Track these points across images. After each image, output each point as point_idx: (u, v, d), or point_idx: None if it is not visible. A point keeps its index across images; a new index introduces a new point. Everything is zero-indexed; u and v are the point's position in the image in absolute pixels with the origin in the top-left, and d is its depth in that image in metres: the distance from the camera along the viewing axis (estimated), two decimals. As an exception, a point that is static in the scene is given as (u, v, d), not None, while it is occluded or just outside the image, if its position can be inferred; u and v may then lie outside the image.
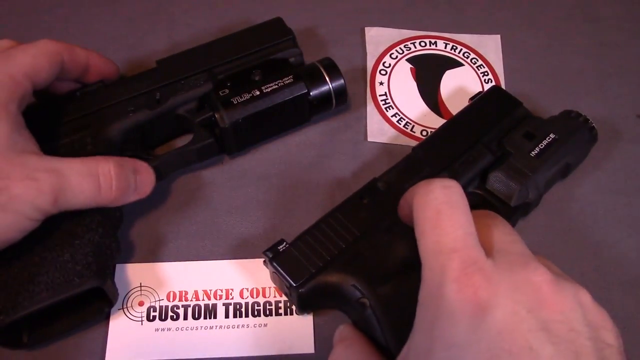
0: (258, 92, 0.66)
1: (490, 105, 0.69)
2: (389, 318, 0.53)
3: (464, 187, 0.62)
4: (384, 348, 0.53)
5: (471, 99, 0.73)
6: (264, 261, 0.59)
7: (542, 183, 0.63)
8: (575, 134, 0.66)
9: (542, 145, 0.64)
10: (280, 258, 0.57)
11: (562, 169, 0.66)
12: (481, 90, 0.75)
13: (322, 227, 0.59)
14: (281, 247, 0.58)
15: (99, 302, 0.57)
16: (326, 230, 0.58)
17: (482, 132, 0.65)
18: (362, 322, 0.55)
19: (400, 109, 0.75)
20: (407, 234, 0.58)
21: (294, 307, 0.60)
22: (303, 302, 0.57)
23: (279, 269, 0.56)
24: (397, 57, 0.79)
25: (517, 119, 0.67)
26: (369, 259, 0.57)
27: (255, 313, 0.60)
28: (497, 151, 0.64)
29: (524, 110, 0.68)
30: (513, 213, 0.62)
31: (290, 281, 0.56)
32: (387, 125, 0.73)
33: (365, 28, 0.81)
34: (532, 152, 0.63)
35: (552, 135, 0.65)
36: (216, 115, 0.65)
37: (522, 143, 0.64)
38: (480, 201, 0.64)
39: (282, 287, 0.59)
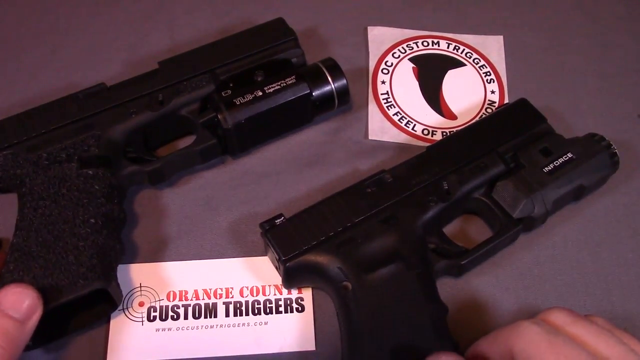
0: (260, 93, 0.67)
1: (513, 116, 0.68)
2: (368, 305, 0.55)
3: (470, 193, 0.62)
4: (357, 332, 0.55)
5: (497, 108, 0.73)
6: (261, 233, 0.60)
7: (550, 200, 0.62)
8: (594, 157, 0.65)
9: (556, 163, 0.64)
10: (274, 231, 0.59)
11: (576, 190, 0.64)
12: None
13: (321, 208, 0.61)
14: (278, 220, 0.60)
15: (103, 304, 0.58)
16: (324, 211, 0.60)
17: (499, 141, 0.66)
18: (341, 305, 0.57)
19: (402, 108, 0.75)
20: (402, 229, 0.59)
21: (293, 306, 0.61)
22: (289, 277, 0.59)
23: (272, 241, 0.59)
24: (399, 56, 0.79)
25: (538, 134, 0.67)
26: (360, 245, 0.58)
27: (256, 311, 0.61)
28: (511, 162, 0.64)
29: (547, 126, 0.68)
30: (515, 225, 0.62)
31: (280, 254, 0.58)
32: (388, 123, 0.73)
33: (368, 27, 0.81)
34: (546, 168, 0.63)
35: (569, 155, 0.64)
36: (219, 116, 0.66)
37: (537, 158, 0.64)
38: (484, 209, 0.64)
39: (273, 260, 0.61)
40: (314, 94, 0.69)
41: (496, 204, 0.63)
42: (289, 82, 0.68)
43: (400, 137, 0.73)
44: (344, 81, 0.70)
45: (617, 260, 0.65)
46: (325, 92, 0.69)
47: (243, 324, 0.60)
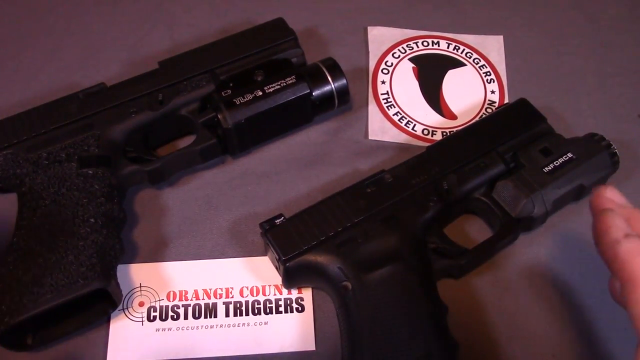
0: (260, 93, 0.67)
1: (512, 116, 0.68)
2: (368, 305, 0.55)
3: (470, 192, 0.62)
4: (357, 332, 0.55)
5: (497, 108, 0.73)
6: (261, 233, 0.60)
7: (550, 200, 0.62)
8: (594, 157, 0.65)
9: (557, 163, 0.63)
10: (274, 231, 0.59)
11: (576, 190, 0.64)
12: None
13: (321, 208, 0.61)
14: (278, 220, 0.60)
15: (102, 304, 0.58)
16: (324, 211, 0.60)
17: (499, 141, 0.65)
18: (341, 305, 0.57)
19: (402, 108, 0.75)
20: (402, 229, 0.59)
21: (293, 306, 0.61)
22: (289, 276, 0.59)
23: (272, 241, 0.59)
24: (399, 56, 0.79)
25: (538, 133, 0.66)
26: (360, 245, 0.58)
27: (256, 311, 0.61)
28: (511, 162, 0.64)
29: (547, 126, 0.68)
30: (515, 225, 0.62)
31: (280, 254, 0.58)
32: (388, 123, 0.73)
33: (368, 27, 0.81)
34: (546, 168, 0.63)
35: (569, 155, 0.64)
36: (219, 116, 0.66)
37: (537, 158, 0.64)
38: (484, 209, 0.64)
39: (273, 260, 0.61)
40: (314, 93, 0.69)
41: (496, 204, 0.63)
42: (289, 82, 0.68)
43: (400, 137, 0.73)
44: (344, 81, 0.70)
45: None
46: (325, 92, 0.69)
47: (243, 324, 0.60)
